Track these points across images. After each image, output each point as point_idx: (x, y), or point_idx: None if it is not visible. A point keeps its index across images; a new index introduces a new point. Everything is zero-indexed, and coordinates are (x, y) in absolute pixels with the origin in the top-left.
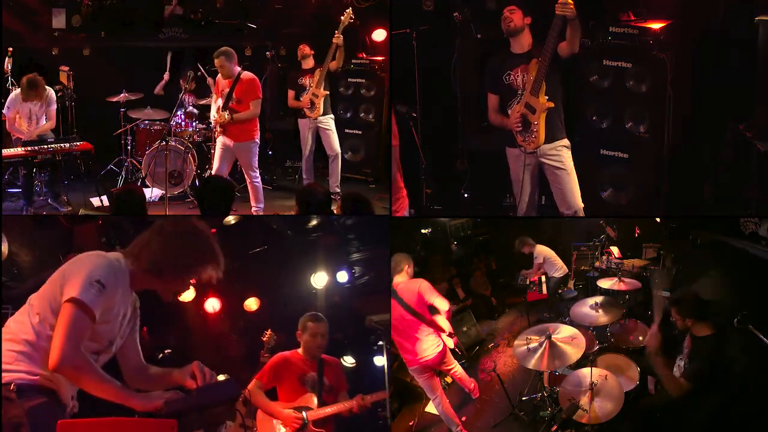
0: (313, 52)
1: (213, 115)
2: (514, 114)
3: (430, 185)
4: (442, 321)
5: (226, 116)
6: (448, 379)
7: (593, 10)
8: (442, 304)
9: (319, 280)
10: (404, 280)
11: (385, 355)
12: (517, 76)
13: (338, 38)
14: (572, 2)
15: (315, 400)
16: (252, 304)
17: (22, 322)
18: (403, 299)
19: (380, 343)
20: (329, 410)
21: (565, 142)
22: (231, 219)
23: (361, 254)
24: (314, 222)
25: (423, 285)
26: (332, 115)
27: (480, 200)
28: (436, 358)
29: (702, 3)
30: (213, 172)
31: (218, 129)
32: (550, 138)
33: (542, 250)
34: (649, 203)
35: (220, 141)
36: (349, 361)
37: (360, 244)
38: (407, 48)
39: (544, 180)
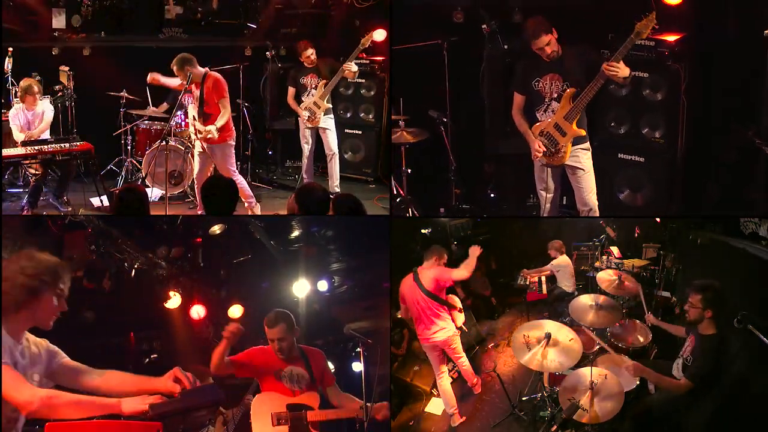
0: (314, 49)
1: (191, 122)
2: (536, 141)
3: (459, 186)
4: (454, 299)
5: (210, 129)
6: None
7: (613, 22)
8: (462, 272)
9: (301, 288)
10: (427, 267)
11: (362, 362)
12: (546, 83)
13: (349, 66)
14: (621, 68)
15: (318, 397)
16: (235, 311)
17: None
18: (422, 283)
19: (358, 349)
20: (332, 415)
21: (586, 144)
22: (216, 229)
23: (342, 264)
24: (312, 221)
25: (436, 270)
26: (332, 115)
27: (505, 200)
28: (445, 341)
29: (715, 17)
30: (194, 177)
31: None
32: (574, 143)
33: (564, 263)
34: (663, 204)
35: (198, 144)
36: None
37: (358, 244)
38: (438, 58)
39: (566, 181)
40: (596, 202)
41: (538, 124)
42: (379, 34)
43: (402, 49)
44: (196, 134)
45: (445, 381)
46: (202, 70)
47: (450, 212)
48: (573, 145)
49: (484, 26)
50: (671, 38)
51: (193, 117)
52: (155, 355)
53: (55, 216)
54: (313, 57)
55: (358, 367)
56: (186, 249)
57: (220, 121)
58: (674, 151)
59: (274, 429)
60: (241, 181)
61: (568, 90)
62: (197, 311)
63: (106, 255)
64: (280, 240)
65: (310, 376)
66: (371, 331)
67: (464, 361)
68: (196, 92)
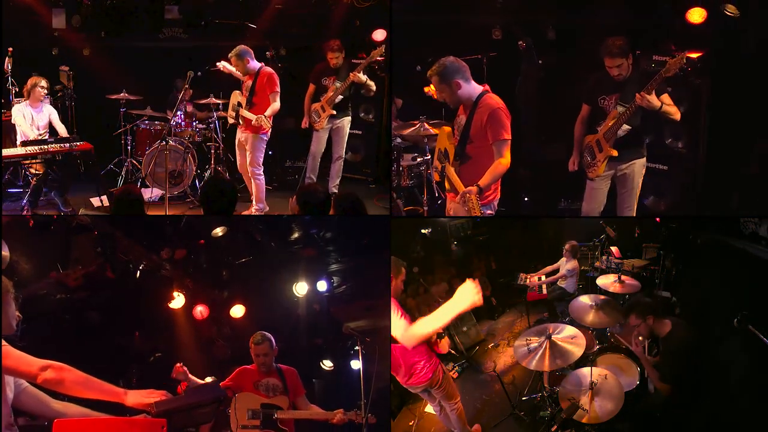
0: (343, 52)
1: (232, 111)
2: (575, 157)
3: None
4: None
5: (260, 117)
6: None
7: (640, 40)
8: (407, 340)
9: (301, 289)
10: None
11: (361, 360)
12: (611, 102)
13: (358, 77)
14: (653, 99)
15: (288, 401)
16: (237, 311)
17: None
18: None
19: (357, 348)
20: (302, 415)
21: (643, 160)
22: (219, 231)
23: (341, 264)
24: (312, 222)
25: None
26: (349, 118)
27: (538, 204)
28: (426, 382)
29: (734, 35)
30: (239, 166)
31: (240, 123)
32: (627, 159)
33: (575, 266)
34: (684, 209)
35: (237, 137)
36: (327, 364)
37: (357, 245)
38: (478, 71)
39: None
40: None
41: (588, 135)
42: (379, 34)
43: None
44: (238, 121)
45: (451, 412)
46: (257, 64)
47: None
48: (631, 159)
49: (520, 43)
50: (694, 55)
51: (238, 104)
52: (159, 354)
53: (62, 218)
54: (338, 60)
55: (356, 364)
56: (189, 251)
57: (269, 111)
58: (696, 160)
59: (248, 422)
60: (259, 182)
61: (612, 111)
62: (200, 311)
63: (112, 257)
64: (280, 242)
65: (284, 387)
66: (370, 330)
67: (456, 406)
68: (248, 83)
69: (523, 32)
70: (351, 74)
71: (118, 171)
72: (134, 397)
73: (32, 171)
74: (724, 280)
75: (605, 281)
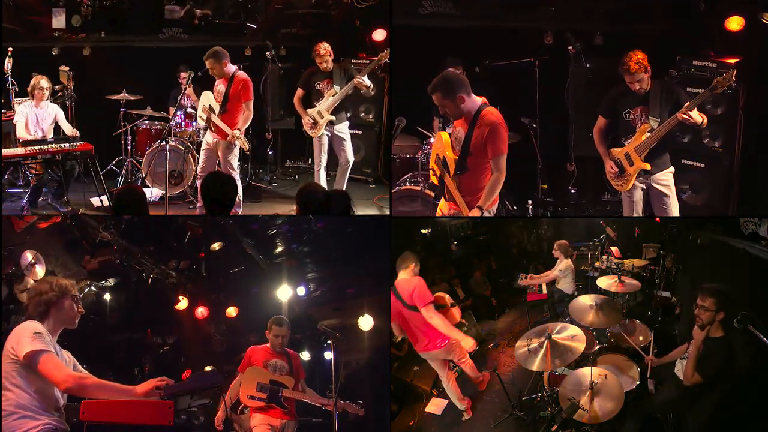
0: (332, 55)
1: (203, 113)
2: (609, 162)
3: (545, 182)
4: (443, 297)
5: (235, 133)
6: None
7: (681, 46)
8: (420, 301)
9: (283, 293)
10: (405, 278)
11: (332, 352)
12: (636, 114)
13: (362, 80)
14: (695, 116)
15: (293, 382)
16: (232, 311)
17: None
18: (401, 295)
19: (329, 341)
20: (303, 397)
21: (671, 169)
22: (216, 246)
23: (316, 273)
24: (293, 238)
25: (418, 282)
26: (347, 122)
27: (584, 195)
28: (445, 350)
29: None
30: (198, 172)
31: (211, 129)
32: (656, 170)
33: (568, 267)
34: (721, 205)
35: (206, 139)
36: (305, 355)
37: (356, 245)
38: (531, 73)
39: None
40: None
41: (614, 149)
42: (379, 34)
43: (501, 65)
44: (211, 127)
45: (452, 383)
46: (233, 67)
47: (536, 204)
48: (659, 171)
49: (570, 47)
50: (731, 60)
51: (210, 107)
52: (167, 347)
53: (87, 234)
54: (327, 64)
55: (328, 355)
56: (192, 262)
57: (245, 124)
58: (731, 159)
59: (256, 394)
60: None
61: (643, 125)
62: (201, 312)
63: (129, 267)
64: (267, 254)
65: (289, 369)
66: (339, 327)
67: (468, 362)
68: (222, 88)
69: (573, 38)
70: (356, 80)
71: (118, 171)
72: (142, 388)
73: (32, 171)
74: (724, 280)
75: (605, 281)
